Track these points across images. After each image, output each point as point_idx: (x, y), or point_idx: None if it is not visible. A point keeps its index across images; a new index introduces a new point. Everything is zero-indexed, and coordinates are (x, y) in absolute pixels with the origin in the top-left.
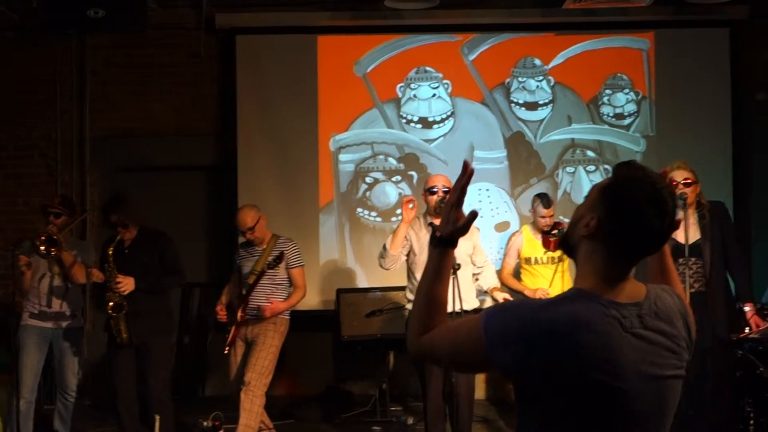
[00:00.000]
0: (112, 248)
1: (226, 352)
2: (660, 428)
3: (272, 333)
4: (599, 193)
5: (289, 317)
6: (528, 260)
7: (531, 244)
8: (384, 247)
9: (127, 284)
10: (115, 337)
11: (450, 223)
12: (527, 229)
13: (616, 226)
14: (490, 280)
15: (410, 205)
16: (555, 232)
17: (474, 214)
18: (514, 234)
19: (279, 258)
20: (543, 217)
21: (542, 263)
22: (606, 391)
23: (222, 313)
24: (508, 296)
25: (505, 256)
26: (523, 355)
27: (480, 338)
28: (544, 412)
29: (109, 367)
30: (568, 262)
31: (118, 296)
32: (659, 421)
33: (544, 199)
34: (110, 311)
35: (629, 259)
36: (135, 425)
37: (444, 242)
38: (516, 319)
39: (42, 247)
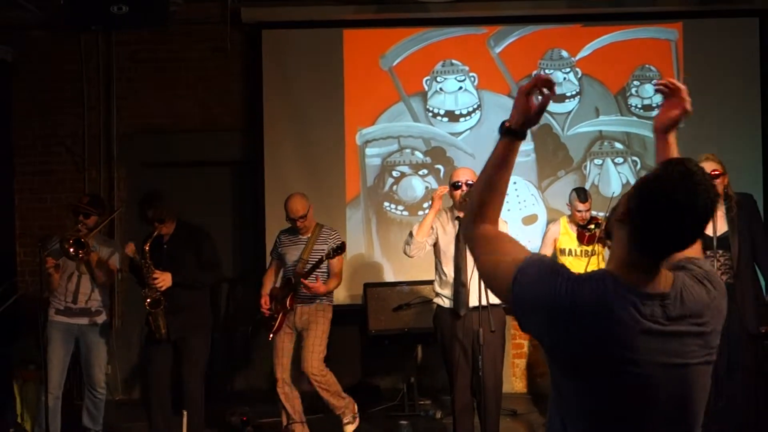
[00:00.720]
0: (148, 244)
1: (270, 338)
2: (688, 414)
3: (322, 319)
4: (636, 183)
5: (332, 303)
6: (562, 251)
7: (567, 235)
8: (410, 233)
9: (164, 280)
10: (154, 333)
11: (520, 113)
12: (564, 221)
13: (643, 217)
14: None
15: (441, 191)
16: (591, 226)
17: (546, 100)
18: (551, 223)
19: (341, 247)
20: (579, 211)
21: (575, 255)
22: (617, 375)
23: (266, 306)
24: None
25: (542, 245)
26: (543, 322)
27: (509, 285)
28: (560, 381)
29: (146, 361)
30: (601, 257)
31: (156, 292)
32: (686, 408)
33: (581, 193)
34: (148, 307)
35: (655, 251)
36: (166, 421)
37: (512, 133)
38: (544, 284)
39: (71, 250)
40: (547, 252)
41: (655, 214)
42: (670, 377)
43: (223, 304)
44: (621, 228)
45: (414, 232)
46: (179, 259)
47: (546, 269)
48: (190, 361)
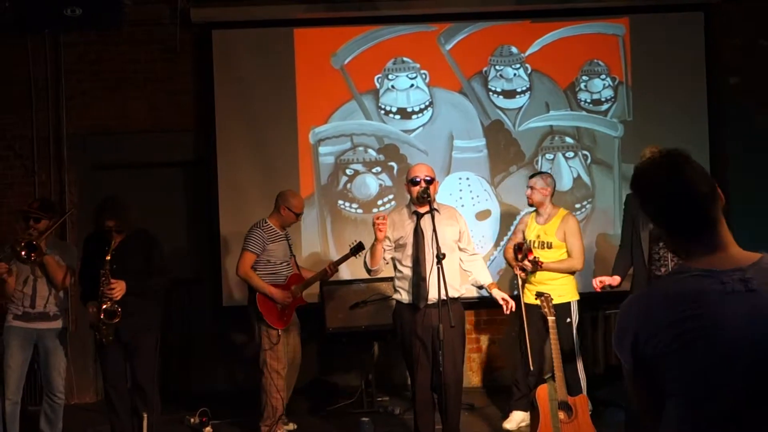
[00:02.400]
0: (109, 255)
1: (279, 333)
2: None
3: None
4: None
5: None
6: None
7: (531, 226)
8: (365, 263)
9: (120, 289)
10: (101, 339)
11: None
12: (532, 213)
13: (651, 212)
14: (484, 275)
15: (380, 221)
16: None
17: None
18: (522, 215)
19: (362, 246)
20: (528, 188)
21: (534, 247)
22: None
23: (288, 299)
24: (506, 295)
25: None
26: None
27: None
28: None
29: (101, 365)
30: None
31: (111, 302)
32: None
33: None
34: (103, 317)
35: (686, 233)
36: (130, 422)
37: None
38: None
39: (22, 253)
40: (508, 242)
41: (651, 201)
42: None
43: (178, 305)
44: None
45: (368, 263)
46: (129, 264)
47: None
48: (142, 361)
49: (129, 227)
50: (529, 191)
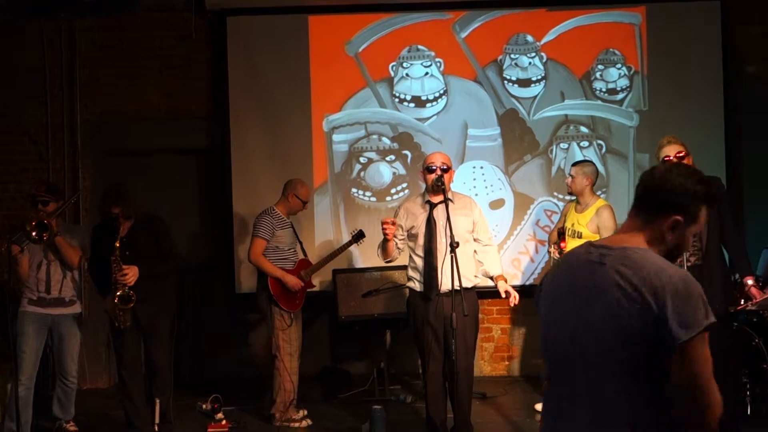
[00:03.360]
0: (118, 242)
1: (291, 318)
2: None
3: None
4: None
5: None
6: (562, 229)
7: (570, 213)
8: (379, 255)
9: (132, 274)
10: (118, 325)
11: None
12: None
13: None
14: (494, 267)
15: (387, 226)
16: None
17: None
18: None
19: (362, 234)
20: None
21: (569, 236)
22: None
23: (299, 286)
24: (510, 288)
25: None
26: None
27: None
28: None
29: (116, 350)
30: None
31: (124, 287)
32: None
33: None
34: (118, 302)
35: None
36: (144, 407)
37: None
38: None
39: (33, 233)
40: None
41: None
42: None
43: (191, 292)
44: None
45: (380, 257)
46: (140, 250)
47: None
48: (158, 345)
49: (135, 212)
50: (569, 179)
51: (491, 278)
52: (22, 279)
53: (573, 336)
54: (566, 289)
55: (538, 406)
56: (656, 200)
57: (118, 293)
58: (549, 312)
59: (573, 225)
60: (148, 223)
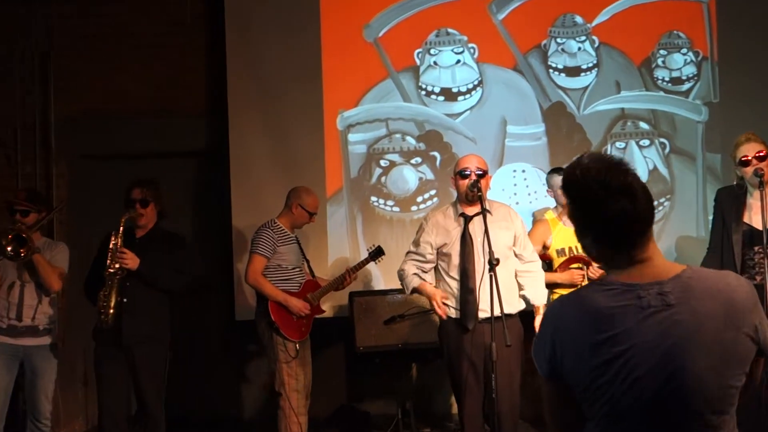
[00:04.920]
0: (123, 221)
1: (296, 348)
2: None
3: None
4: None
5: None
6: (560, 252)
7: (561, 233)
8: (401, 277)
9: (132, 259)
10: (101, 338)
11: None
12: (551, 216)
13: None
14: (537, 294)
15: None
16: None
17: None
18: (537, 223)
19: (381, 250)
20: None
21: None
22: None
23: (307, 310)
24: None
25: None
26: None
27: None
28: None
29: (96, 380)
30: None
31: (120, 269)
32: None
33: (557, 170)
34: (107, 275)
35: (612, 244)
36: None
37: None
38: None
39: (9, 248)
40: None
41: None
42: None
43: (183, 317)
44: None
45: (407, 290)
46: (149, 256)
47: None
48: (147, 372)
49: (156, 202)
50: (556, 191)
51: (530, 305)
52: None
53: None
54: (639, 349)
55: None
56: (651, 216)
57: (109, 270)
58: (612, 380)
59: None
60: (165, 236)
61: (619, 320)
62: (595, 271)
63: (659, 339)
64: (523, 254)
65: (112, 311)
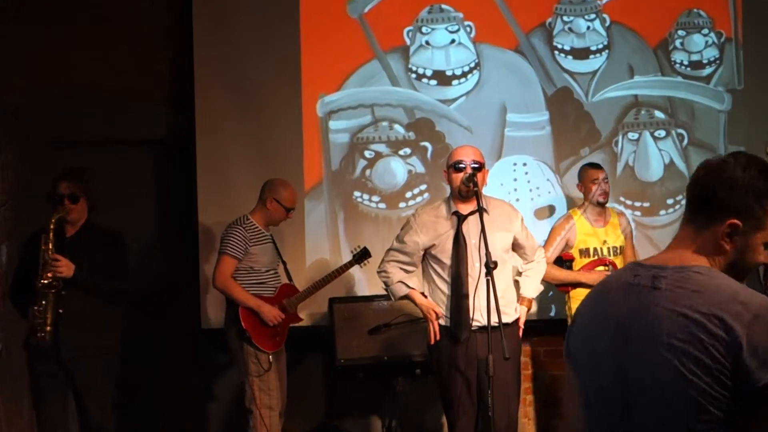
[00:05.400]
0: (53, 222)
1: (269, 360)
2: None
3: None
4: None
5: None
6: (584, 252)
7: (587, 234)
8: (388, 291)
9: (67, 266)
10: (36, 331)
11: None
12: (578, 215)
13: None
14: (531, 287)
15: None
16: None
17: None
18: (561, 221)
19: (367, 252)
20: (595, 180)
21: (602, 255)
22: None
23: (280, 318)
24: (522, 321)
25: (548, 243)
26: None
27: None
28: None
29: (32, 400)
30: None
31: (54, 279)
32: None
33: (593, 165)
34: (40, 288)
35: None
36: None
37: None
38: None
39: None
40: (553, 254)
41: None
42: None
43: (142, 326)
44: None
45: (393, 297)
46: (83, 259)
47: None
48: (96, 395)
49: (85, 198)
50: (605, 185)
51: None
52: None
53: (619, 382)
54: (610, 323)
55: None
56: (707, 201)
57: (43, 281)
58: (585, 356)
59: (604, 243)
60: (99, 234)
61: (607, 290)
62: None
63: (629, 315)
64: (526, 254)
65: (49, 328)
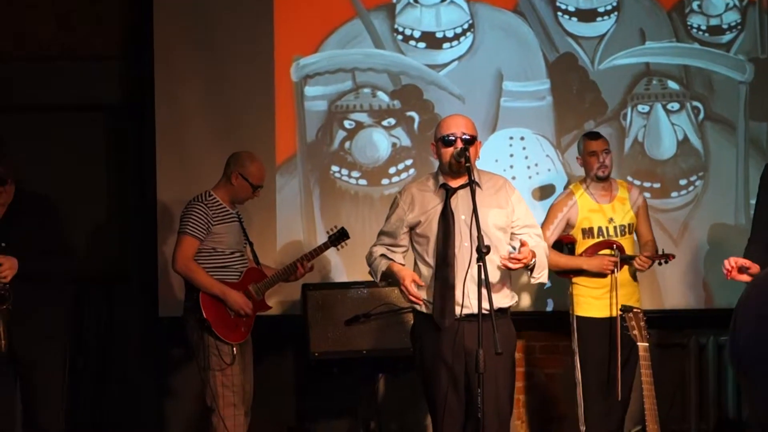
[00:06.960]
0: None
1: (233, 351)
2: None
3: None
4: None
5: None
6: (587, 232)
7: (591, 211)
8: (372, 273)
9: (10, 266)
10: None
11: None
12: (580, 191)
13: None
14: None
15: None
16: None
17: None
18: (561, 197)
19: (345, 233)
20: (593, 153)
21: (608, 235)
22: None
23: (249, 308)
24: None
25: (546, 222)
26: None
27: None
28: None
29: None
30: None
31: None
32: None
33: (591, 134)
34: None
35: None
36: None
37: None
38: None
39: None
40: (553, 236)
41: None
42: None
43: (92, 314)
44: None
45: (374, 277)
46: (21, 240)
47: None
48: (43, 389)
49: (10, 178)
50: (605, 158)
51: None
52: None
53: None
54: None
55: None
56: None
57: None
58: None
59: (610, 222)
60: (31, 205)
61: None
62: (643, 260)
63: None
64: (519, 227)
65: (4, 342)
